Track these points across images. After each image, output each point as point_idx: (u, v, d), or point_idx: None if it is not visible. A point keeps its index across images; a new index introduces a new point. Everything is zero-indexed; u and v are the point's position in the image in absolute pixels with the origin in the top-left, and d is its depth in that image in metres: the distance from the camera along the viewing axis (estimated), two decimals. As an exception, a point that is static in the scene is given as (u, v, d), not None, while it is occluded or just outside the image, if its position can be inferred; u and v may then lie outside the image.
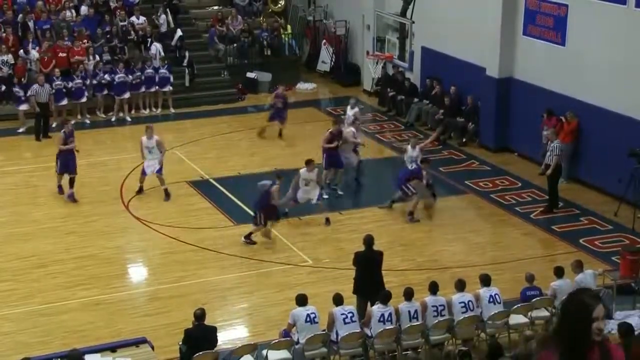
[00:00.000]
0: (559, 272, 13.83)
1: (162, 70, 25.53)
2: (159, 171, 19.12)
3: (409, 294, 12.91)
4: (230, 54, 28.04)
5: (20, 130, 23.68)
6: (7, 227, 17.92)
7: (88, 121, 24.68)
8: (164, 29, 27.11)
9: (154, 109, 25.68)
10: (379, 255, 13.97)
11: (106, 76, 24.84)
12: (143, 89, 25.41)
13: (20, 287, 15.42)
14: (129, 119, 24.96)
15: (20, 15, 25.80)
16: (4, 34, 25.20)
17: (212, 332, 12.25)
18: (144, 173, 19.20)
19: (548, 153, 18.91)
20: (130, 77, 25.10)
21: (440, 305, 12.98)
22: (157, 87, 25.52)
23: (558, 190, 18.80)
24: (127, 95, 25.02)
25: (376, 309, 12.75)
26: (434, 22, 24.78)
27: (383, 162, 22.45)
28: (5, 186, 20.23)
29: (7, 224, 18.06)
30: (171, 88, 25.70)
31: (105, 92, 24.97)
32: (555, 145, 18.60)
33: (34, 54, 24.79)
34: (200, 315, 12.16)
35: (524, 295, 13.78)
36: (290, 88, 23.46)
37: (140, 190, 19.32)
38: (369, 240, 13.94)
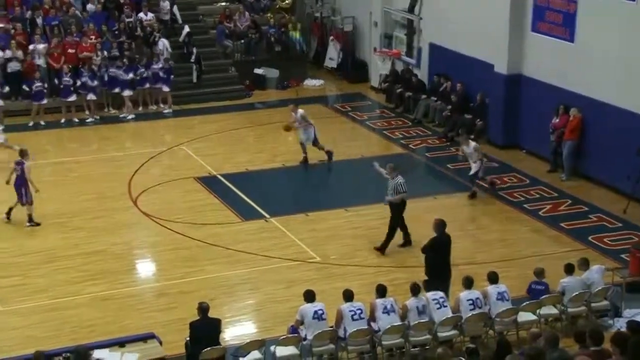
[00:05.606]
0: (569, 269, 13.81)
1: (165, 67, 25.45)
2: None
3: (415, 289, 12.93)
4: (237, 50, 28.04)
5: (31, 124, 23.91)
6: (16, 222, 17.92)
7: (98, 117, 24.69)
8: (166, 17, 27.10)
9: (161, 105, 25.66)
10: (449, 239, 14.19)
11: (116, 71, 24.81)
12: (148, 85, 25.38)
13: (29, 282, 15.46)
14: (132, 115, 24.88)
15: (29, 12, 25.81)
16: (13, 30, 25.20)
17: (215, 324, 12.26)
18: None
19: (392, 191, 16.25)
20: (139, 72, 25.08)
21: (440, 298, 13.00)
22: (162, 83, 25.48)
23: (404, 223, 16.71)
24: (130, 92, 24.97)
25: (379, 302, 12.77)
26: (441, 18, 24.74)
27: (391, 158, 22.35)
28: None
29: (16, 219, 18.06)
30: (167, 88, 25.45)
31: (111, 88, 24.95)
32: (400, 182, 16.25)
33: (41, 48, 24.75)
34: (205, 308, 12.18)
35: (530, 289, 13.79)
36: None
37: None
38: (441, 225, 14.14)
